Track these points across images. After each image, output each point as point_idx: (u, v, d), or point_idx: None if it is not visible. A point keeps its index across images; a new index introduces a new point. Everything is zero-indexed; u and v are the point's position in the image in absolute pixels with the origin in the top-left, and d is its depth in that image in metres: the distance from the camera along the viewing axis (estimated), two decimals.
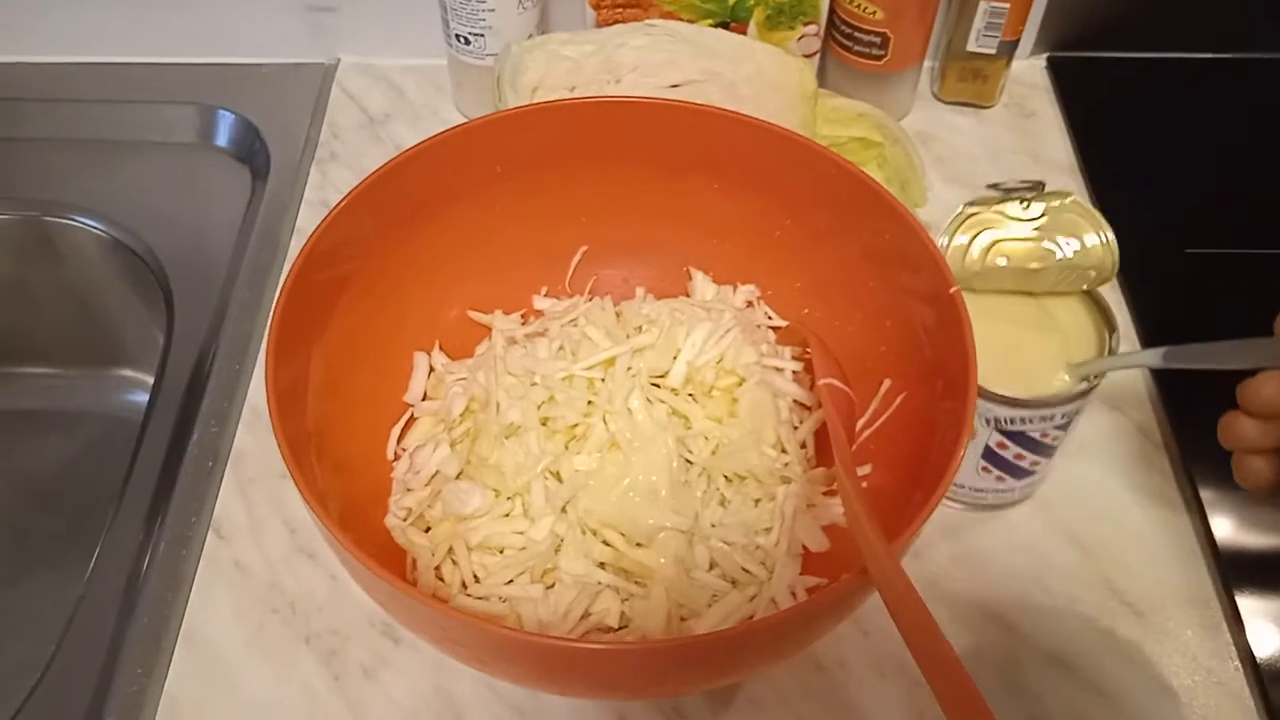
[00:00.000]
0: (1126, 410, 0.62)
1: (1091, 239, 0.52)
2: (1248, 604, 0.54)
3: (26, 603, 0.71)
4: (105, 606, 0.55)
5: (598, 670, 0.41)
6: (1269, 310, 0.65)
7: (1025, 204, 0.53)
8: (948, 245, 0.53)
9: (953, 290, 0.47)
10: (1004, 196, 0.54)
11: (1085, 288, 0.54)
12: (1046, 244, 0.53)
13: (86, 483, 0.78)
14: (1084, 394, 0.51)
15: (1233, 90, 0.79)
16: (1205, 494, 0.58)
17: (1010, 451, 0.54)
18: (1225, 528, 0.57)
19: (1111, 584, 0.55)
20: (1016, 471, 0.55)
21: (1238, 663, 0.53)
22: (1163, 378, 0.62)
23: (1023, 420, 0.52)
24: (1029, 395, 0.51)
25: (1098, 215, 0.53)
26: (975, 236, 0.53)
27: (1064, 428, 0.53)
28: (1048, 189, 0.54)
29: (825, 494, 0.52)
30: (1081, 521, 0.58)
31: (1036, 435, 0.53)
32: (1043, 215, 0.53)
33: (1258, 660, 0.52)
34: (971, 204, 0.53)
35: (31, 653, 0.55)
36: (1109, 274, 0.53)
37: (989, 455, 0.54)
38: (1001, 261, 0.53)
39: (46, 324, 0.81)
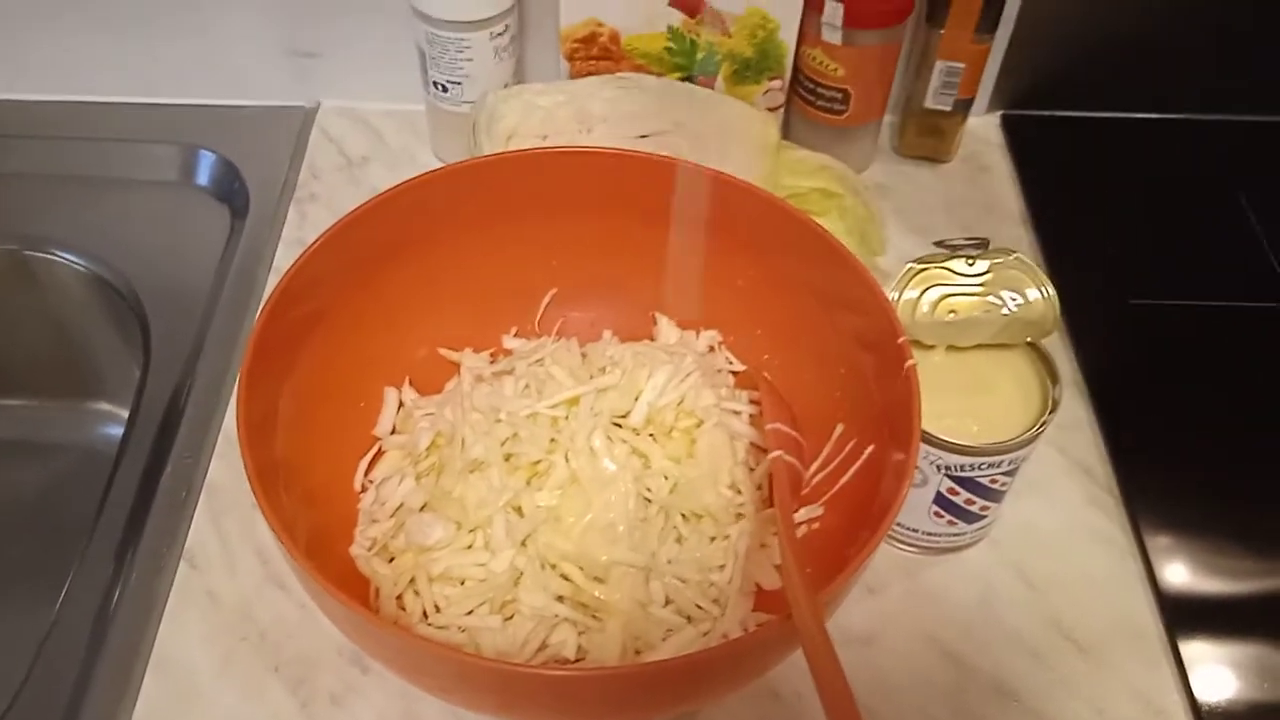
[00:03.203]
0: (1072, 452, 0.64)
1: (1034, 294, 0.54)
2: (1190, 645, 0.56)
3: None
4: (76, 633, 0.55)
5: (554, 696, 0.42)
6: (1210, 359, 0.68)
7: (970, 261, 0.55)
8: (898, 299, 0.55)
9: (901, 340, 0.49)
10: (950, 254, 0.55)
11: (1029, 340, 0.56)
12: (991, 299, 0.55)
13: (59, 513, 0.78)
14: (1030, 441, 0.53)
15: (1176, 149, 0.82)
16: (1147, 533, 0.60)
17: (961, 497, 0.55)
18: (1166, 566, 0.58)
19: (1057, 619, 0.57)
20: (967, 516, 0.57)
21: (1177, 695, 0.54)
22: (1106, 420, 0.65)
23: (972, 467, 0.53)
24: (978, 442, 0.53)
25: (1039, 271, 0.55)
26: (924, 291, 0.55)
27: (1012, 474, 0.55)
28: (992, 246, 0.56)
29: (776, 534, 0.54)
30: (1029, 559, 0.59)
31: (986, 481, 0.54)
32: (987, 271, 0.55)
33: (1200, 704, 0.54)
34: (919, 261, 0.55)
35: (3, 677, 0.55)
36: (1051, 327, 0.55)
37: (940, 501, 0.56)
38: (949, 315, 0.55)
39: (24, 356, 0.82)
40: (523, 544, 0.51)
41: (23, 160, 0.80)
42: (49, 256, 0.75)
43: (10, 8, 0.79)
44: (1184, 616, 0.57)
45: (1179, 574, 0.58)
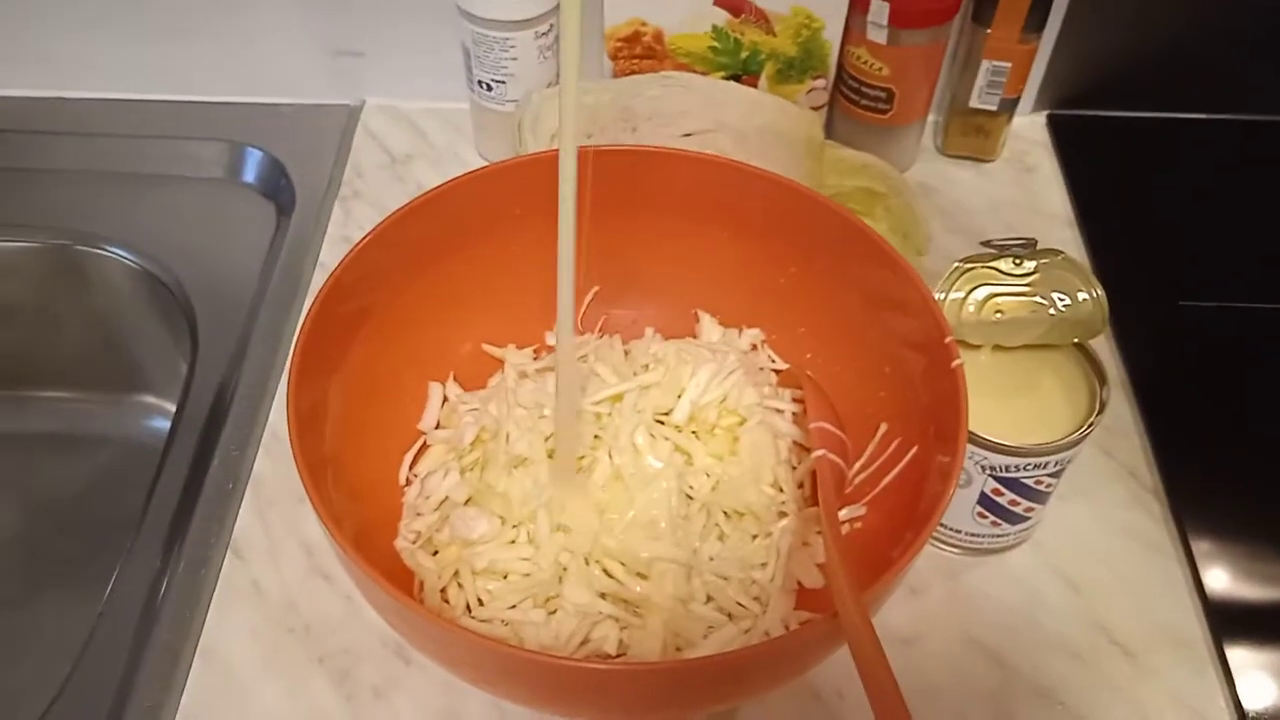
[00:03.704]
0: (1118, 455, 0.63)
1: (1082, 295, 0.54)
2: (1236, 651, 0.55)
3: (47, 620, 0.73)
4: (124, 624, 0.56)
5: (597, 690, 0.42)
6: (1259, 362, 0.67)
7: (1018, 261, 0.55)
8: (944, 299, 0.54)
9: (947, 340, 0.49)
10: (997, 253, 0.55)
11: (1076, 341, 0.56)
12: (1039, 299, 0.55)
13: (107, 505, 0.79)
14: (1076, 442, 0.53)
15: (1224, 150, 0.81)
16: (1193, 538, 0.59)
17: (1005, 498, 0.55)
18: (1212, 571, 0.58)
19: (1102, 623, 0.56)
20: (1012, 517, 0.56)
21: (1223, 701, 0.54)
22: (1153, 423, 0.64)
23: (1017, 468, 0.53)
24: (1023, 443, 0.52)
25: (1088, 272, 0.55)
26: (971, 291, 0.55)
27: (1057, 475, 0.55)
28: (1039, 246, 0.55)
29: (819, 532, 0.54)
30: (1074, 562, 0.59)
31: (1030, 482, 0.54)
32: (1035, 272, 0.55)
33: (1246, 712, 0.53)
34: (966, 260, 0.55)
35: (51, 668, 0.57)
36: (1099, 328, 0.55)
37: (985, 501, 0.55)
38: (996, 315, 0.55)
39: (73, 350, 0.83)
40: (566, 540, 0.51)
41: (75, 157, 0.81)
42: (99, 252, 0.76)
43: (65, 11, 0.80)
44: (1230, 622, 0.56)
45: (1224, 579, 0.58)
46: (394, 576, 0.51)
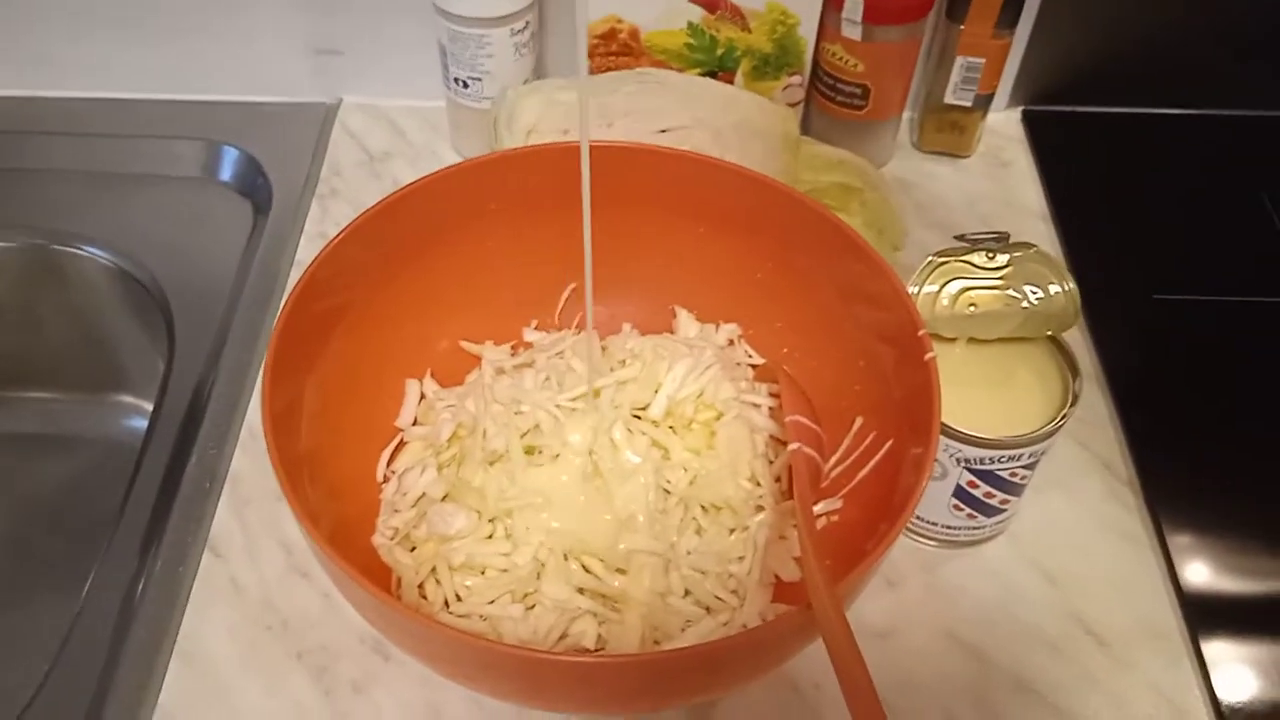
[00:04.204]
0: (1093, 447, 0.64)
1: (1054, 288, 0.55)
2: (1211, 644, 0.55)
3: (26, 621, 0.73)
4: (102, 623, 0.56)
5: (576, 683, 0.42)
6: (1233, 354, 0.68)
7: (990, 255, 0.55)
8: (918, 293, 0.55)
9: (921, 333, 0.49)
10: (970, 247, 0.55)
11: (1049, 333, 0.56)
12: (1012, 292, 0.55)
13: (86, 505, 0.79)
14: (1050, 434, 0.53)
15: (1198, 145, 0.82)
16: (1169, 530, 0.59)
17: (980, 490, 0.55)
18: (1188, 564, 0.58)
19: (1078, 615, 0.57)
20: (987, 510, 0.57)
21: (1198, 692, 0.54)
22: (1127, 415, 0.64)
23: (991, 460, 0.54)
24: (996, 436, 0.53)
25: (1060, 265, 0.55)
26: (944, 285, 0.55)
27: (1031, 467, 0.55)
28: (1012, 240, 0.56)
29: (796, 526, 0.54)
30: (1050, 554, 0.59)
31: (1005, 475, 0.55)
32: (1007, 265, 0.55)
33: (1221, 704, 0.53)
34: (939, 254, 0.55)
35: (29, 668, 0.56)
36: (1071, 321, 0.55)
37: (960, 494, 0.56)
38: (970, 309, 0.55)
39: (51, 350, 0.83)
40: (544, 535, 0.51)
41: (50, 156, 0.81)
42: (75, 251, 0.76)
43: (37, 7, 0.80)
44: (1205, 615, 0.57)
45: (1200, 572, 0.58)
46: (371, 573, 0.51)
